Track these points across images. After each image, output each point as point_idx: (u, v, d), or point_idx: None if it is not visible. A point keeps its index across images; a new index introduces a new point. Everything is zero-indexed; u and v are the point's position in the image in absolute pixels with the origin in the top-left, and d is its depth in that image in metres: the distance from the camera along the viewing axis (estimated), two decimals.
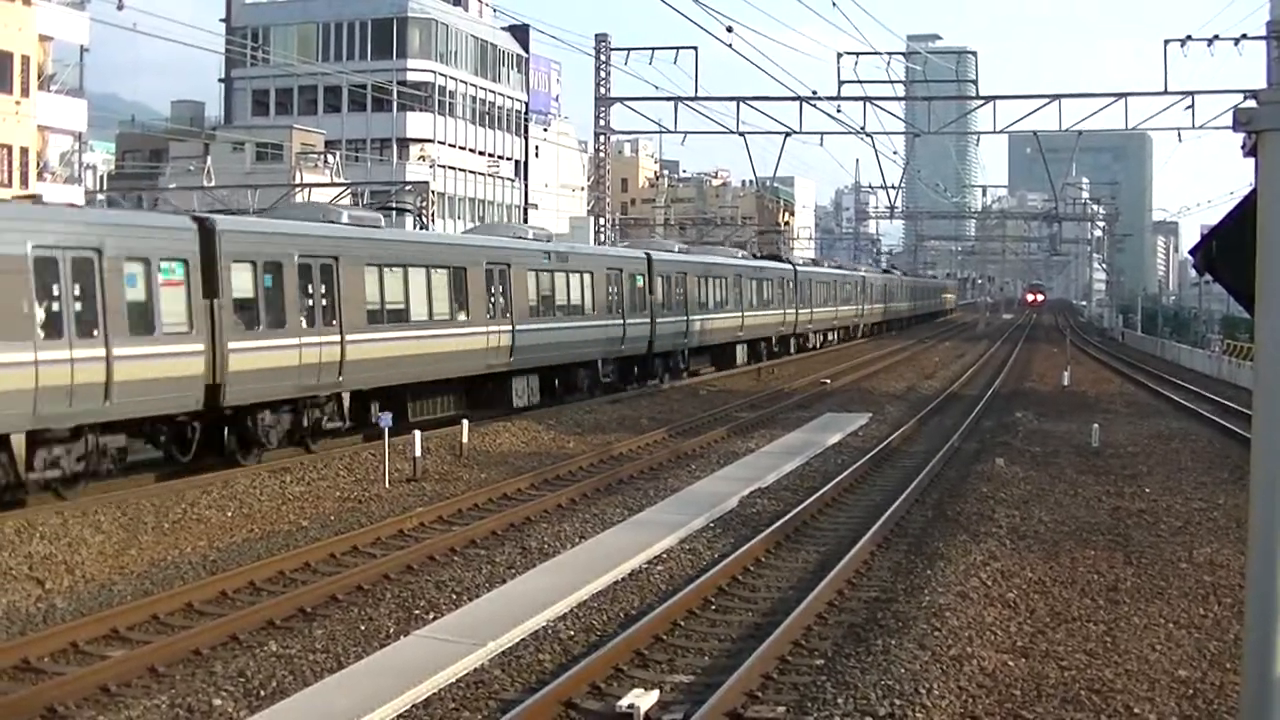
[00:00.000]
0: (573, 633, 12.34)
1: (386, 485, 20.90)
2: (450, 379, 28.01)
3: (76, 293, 18.30)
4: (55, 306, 17.98)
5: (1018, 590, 13.92)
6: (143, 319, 19.38)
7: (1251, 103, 4.11)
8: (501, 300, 29.81)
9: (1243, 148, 4.22)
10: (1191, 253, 5.09)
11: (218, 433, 21.63)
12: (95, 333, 18.45)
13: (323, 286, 23.48)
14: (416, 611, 13.02)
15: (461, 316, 28.18)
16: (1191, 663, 11.34)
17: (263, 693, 10.49)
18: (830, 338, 69.08)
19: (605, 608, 13.29)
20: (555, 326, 32.57)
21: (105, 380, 18.43)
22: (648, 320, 38.89)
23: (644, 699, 9.97)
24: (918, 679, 10.43)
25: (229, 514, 18.30)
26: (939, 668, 10.79)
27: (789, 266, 59.66)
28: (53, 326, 17.87)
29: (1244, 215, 4.27)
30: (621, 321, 36.77)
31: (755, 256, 59.64)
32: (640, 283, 38.90)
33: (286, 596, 13.50)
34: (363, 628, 12.46)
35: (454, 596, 13.63)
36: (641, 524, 17.66)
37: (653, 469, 23.06)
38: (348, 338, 23.72)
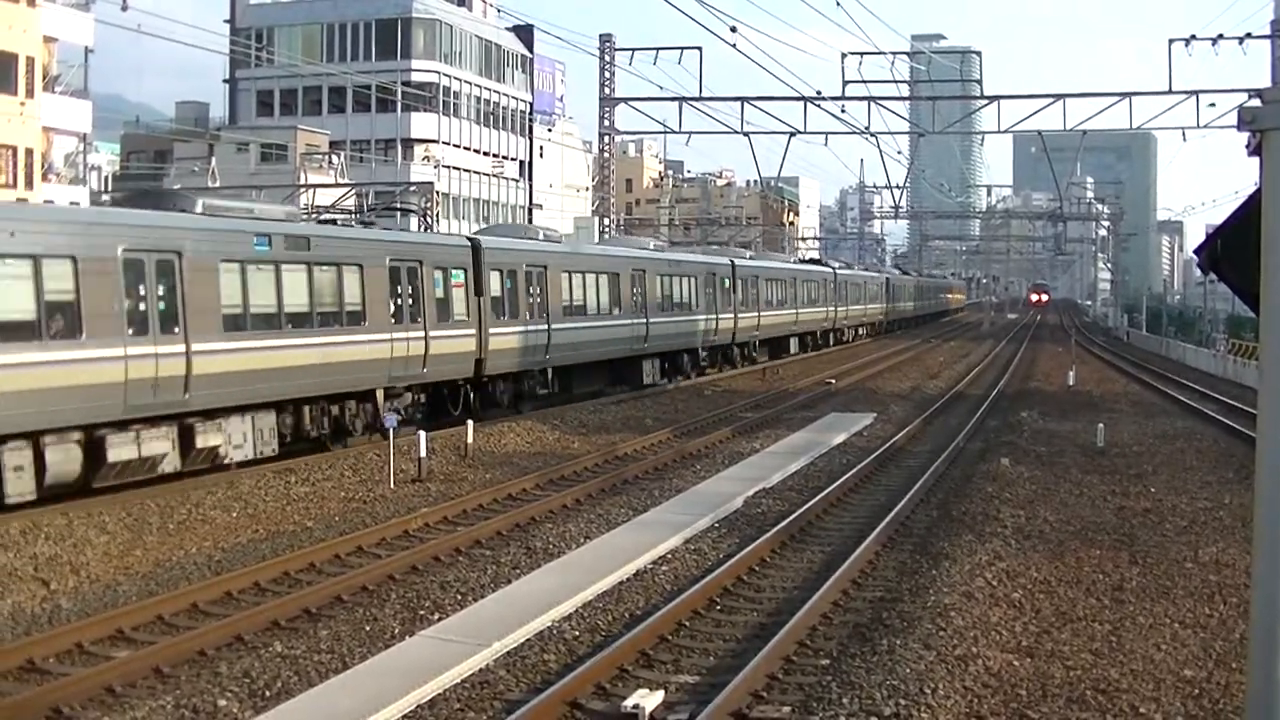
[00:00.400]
0: (578, 633, 12.34)
1: (391, 486, 20.90)
2: (600, 360, 35.38)
3: (410, 291, 25.52)
4: (398, 301, 25.15)
5: (1023, 590, 13.91)
6: (444, 310, 26.74)
7: (1256, 102, 4.10)
8: (640, 298, 37.59)
9: (1247, 147, 4.21)
10: (1196, 252, 5.09)
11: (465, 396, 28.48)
12: (418, 319, 25.64)
13: (538, 287, 30.99)
14: (421, 612, 13.02)
15: (615, 311, 36.01)
16: (1197, 662, 11.32)
17: (268, 693, 10.49)
18: (860, 332, 74.72)
19: (610, 608, 13.29)
20: (673, 320, 40.39)
21: (424, 353, 25.64)
22: (732, 315, 46.41)
23: (649, 699, 9.97)
24: (923, 679, 10.42)
25: (234, 514, 18.31)
26: (944, 667, 10.79)
27: (830, 270, 67.26)
28: (398, 315, 25.03)
29: (1249, 214, 4.26)
30: (715, 316, 44.47)
31: (800, 262, 66.86)
32: (726, 284, 46.20)
33: (291, 597, 13.51)
34: (368, 628, 12.46)
35: (459, 597, 13.63)
36: (646, 524, 17.66)
37: (657, 469, 23.06)
38: (553, 326, 31.48)
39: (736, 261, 48.71)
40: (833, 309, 65.31)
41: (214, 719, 9.94)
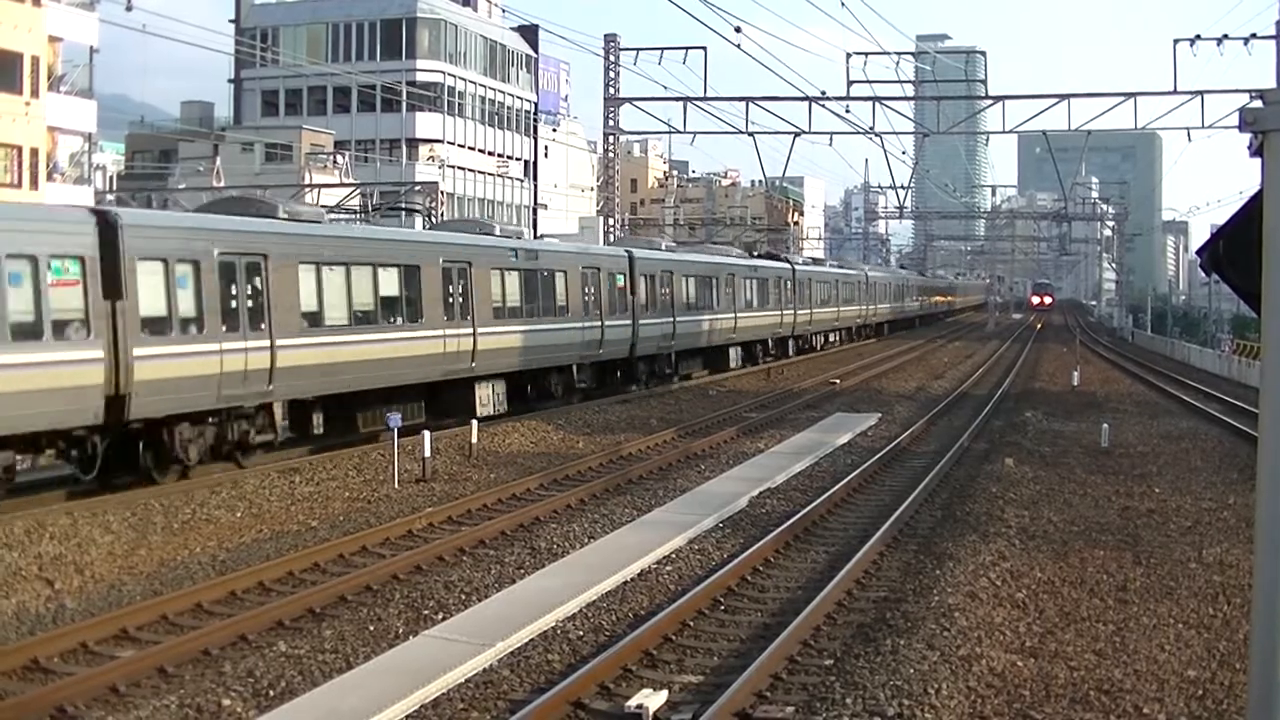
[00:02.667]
0: (581, 633, 12.35)
1: (396, 486, 20.92)
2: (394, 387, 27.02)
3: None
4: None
5: (1027, 590, 13.91)
6: (28, 324, 17.87)
7: (1258, 103, 4.10)
8: (462, 300, 28.21)
9: (1249, 148, 4.20)
10: (1199, 253, 5.08)
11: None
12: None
13: (252, 287, 21.82)
14: (425, 612, 13.04)
15: (410, 319, 26.52)
16: (1201, 663, 11.32)
17: (271, 693, 10.51)
18: (832, 339, 69.44)
19: (614, 608, 13.30)
20: (523, 329, 30.86)
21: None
22: (629, 322, 37.19)
23: (653, 699, 9.98)
24: (926, 679, 10.42)
25: (238, 514, 18.33)
26: (948, 668, 10.78)
27: (786, 265, 59.55)
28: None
29: (1250, 215, 4.26)
30: (600, 323, 34.93)
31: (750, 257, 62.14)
32: (621, 283, 36.98)
33: (295, 597, 13.52)
34: (371, 628, 12.47)
35: (463, 597, 13.64)
36: (650, 524, 17.67)
37: (662, 469, 23.05)
38: (280, 342, 22.09)
39: (635, 254, 38.78)
40: (791, 313, 55.91)
41: (218, 718, 9.95)
